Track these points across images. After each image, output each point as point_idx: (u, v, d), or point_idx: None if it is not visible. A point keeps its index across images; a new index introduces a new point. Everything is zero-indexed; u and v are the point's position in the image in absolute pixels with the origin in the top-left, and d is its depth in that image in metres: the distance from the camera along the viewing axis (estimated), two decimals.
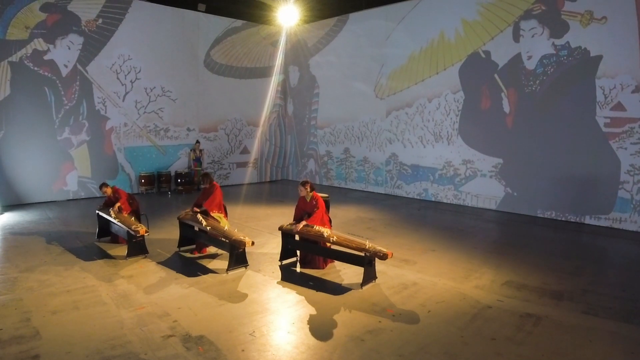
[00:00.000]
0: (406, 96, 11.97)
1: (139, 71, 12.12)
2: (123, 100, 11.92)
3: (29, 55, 10.29)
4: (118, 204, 6.98)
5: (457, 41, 10.77)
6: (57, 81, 10.76)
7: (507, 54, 9.87)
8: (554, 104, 9.19)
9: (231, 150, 14.36)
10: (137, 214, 7.17)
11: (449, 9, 10.84)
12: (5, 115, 10.09)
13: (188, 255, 6.67)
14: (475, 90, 10.53)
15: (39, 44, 10.41)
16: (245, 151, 14.73)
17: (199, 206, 6.68)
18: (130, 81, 12.00)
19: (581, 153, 8.85)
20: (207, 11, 13.27)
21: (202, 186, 6.94)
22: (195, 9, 13.02)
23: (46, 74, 10.58)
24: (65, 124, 10.97)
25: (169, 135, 12.90)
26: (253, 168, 14.98)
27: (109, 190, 7.23)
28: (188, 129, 13.27)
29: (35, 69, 10.42)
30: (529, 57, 9.51)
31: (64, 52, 10.79)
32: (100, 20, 11.25)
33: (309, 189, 6.05)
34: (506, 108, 9.99)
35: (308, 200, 6.11)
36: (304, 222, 5.93)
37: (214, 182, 6.88)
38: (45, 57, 10.53)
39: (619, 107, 8.37)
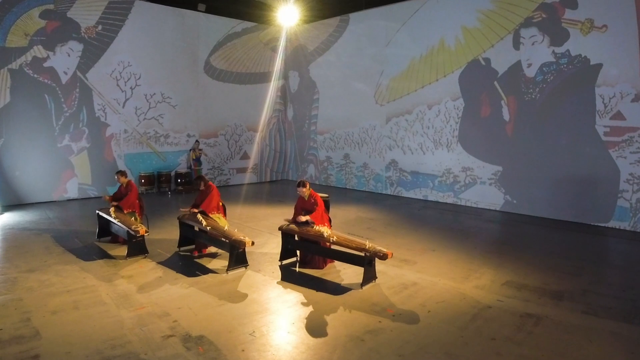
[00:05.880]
0: (406, 103, 11.94)
1: (139, 77, 12.09)
2: (123, 107, 11.90)
3: (28, 62, 10.26)
4: (113, 206, 6.99)
5: (457, 48, 10.74)
6: (57, 88, 10.73)
7: (507, 62, 9.83)
8: (554, 112, 9.16)
9: (231, 155, 14.33)
10: (140, 212, 7.14)
11: (449, 15, 10.80)
12: (6, 123, 10.07)
13: (188, 255, 6.67)
14: (475, 98, 10.50)
15: (38, 51, 10.38)
16: (245, 157, 14.70)
17: (197, 207, 6.67)
18: (130, 88, 11.98)
19: (581, 161, 8.83)
20: (207, 11, 13.26)
21: (199, 189, 6.90)
22: (195, 8, 13.02)
23: (46, 81, 10.55)
24: (66, 131, 10.95)
25: (169, 141, 12.88)
26: (253, 173, 14.97)
27: (124, 180, 7.19)
28: (188, 135, 13.25)
29: (35, 76, 10.38)
30: (529, 65, 9.47)
31: (64, 59, 10.76)
32: (99, 27, 11.22)
33: (308, 187, 6.08)
34: (506, 116, 9.96)
35: (306, 199, 6.12)
36: (308, 217, 5.90)
37: (210, 183, 6.86)
38: (45, 64, 10.50)
39: (619, 116, 8.34)
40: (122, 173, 7.25)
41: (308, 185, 6.11)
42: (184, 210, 6.86)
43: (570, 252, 6.98)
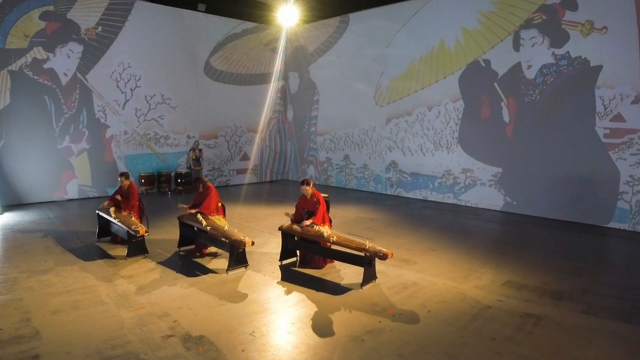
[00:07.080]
0: (406, 104, 11.94)
1: (139, 79, 12.09)
2: (123, 108, 11.89)
3: (28, 64, 10.26)
4: (109, 204, 7.02)
5: (457, 49, 10.74)
6: (57, 90, 10.72)
7: (507, 63, 9.83)
8: (554, 114, 9.16)
9: (231, 157, 14.33)
10: (141, 215, 7.15)
11: (449, 16, 10.80)
12: (6, 124, 10.06)
13: (188, 255, 6.67)
14: (475, 99, 10.50)
15: (38, 52, 10.37)
16: (245, 158, 14.70)
17: (197, 207, 6.66)
18: (130, 89, 11.98)
19: (581, 163, 8.83)
20: (207, 11, 13.27)
21: (198, 191, 6.90)
22: (195, 9, 13.02)
23: (46, 82, 10.55)
24: (66, 132, 10.94)
25: (169, 142, 12.88)
26: (253, 174, 14.97)
27: (126, 183, 7.18)
28: (188, 137, 13.25)
29: (35, 77, 10.38)
30: (529, 67, 9.47)
31: (64, 61, 10.75)
32: (99, 28, 11.22)
33: (311, 186, 6.10)
34: (506, 117, 9.96)
35: (308, 197, 6.12)
36: (310, 221, 5.92)
37: (208, 184, 6.86)
38: (45, 66, 10.50)
39: (619, 117, 8.35)
40: (125, 176, 7.26)
41: (311, 184, 6.13)
42: (182, 207, 6.84)
43: (570, 252, 6.98)
